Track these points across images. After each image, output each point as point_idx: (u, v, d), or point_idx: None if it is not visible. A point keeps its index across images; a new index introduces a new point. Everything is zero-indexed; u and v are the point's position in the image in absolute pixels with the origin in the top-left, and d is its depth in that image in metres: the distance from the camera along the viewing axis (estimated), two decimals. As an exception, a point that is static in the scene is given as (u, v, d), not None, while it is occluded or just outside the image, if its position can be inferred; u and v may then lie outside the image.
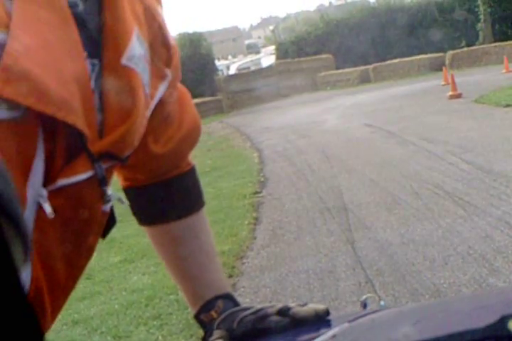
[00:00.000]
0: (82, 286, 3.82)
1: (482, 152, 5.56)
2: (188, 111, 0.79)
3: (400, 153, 6.41)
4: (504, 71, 13.05)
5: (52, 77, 0.47)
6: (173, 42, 0.69)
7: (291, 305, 0.73)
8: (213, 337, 0.73)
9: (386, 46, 20.60)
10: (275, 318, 0.72)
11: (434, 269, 3.09)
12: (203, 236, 0.83)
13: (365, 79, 18.74)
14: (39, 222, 0.52)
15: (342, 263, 3.45)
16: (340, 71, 19.73)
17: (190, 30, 29.51)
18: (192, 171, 0.83)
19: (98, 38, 0.55)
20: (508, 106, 8.05)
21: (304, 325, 0.70)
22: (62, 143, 0.52)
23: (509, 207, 3.82)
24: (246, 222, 4.78)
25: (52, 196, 0.52)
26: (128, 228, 4.81)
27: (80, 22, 0.53)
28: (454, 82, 10.13)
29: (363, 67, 19.13)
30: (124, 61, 0.56)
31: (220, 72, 24.07)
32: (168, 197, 0.80)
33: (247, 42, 75.81)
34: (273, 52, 26.16)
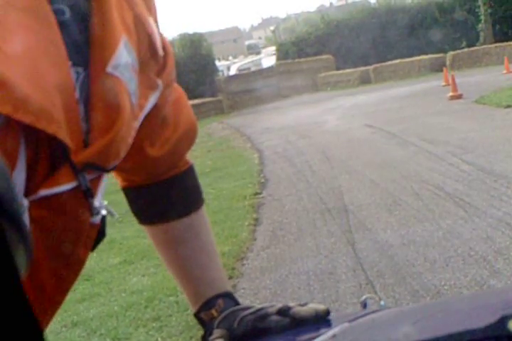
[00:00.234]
0: (81, 288, 3.81)
1: (483, 153, 5.55)
2: (184, 111, 0.78)
3: (400, 153, 6.40)
4: (505, 72, 13.04)
5: (32, 85, 0.46)
6: (168, 48, 0.68)
7: (292, 304, 0.73)
8: (213, 337, 0.73)
9: (386, 47, 20.60)
10: (275, 318, 0.72)
11: (435, 271, 3.08)
12: (203, 235, 0.83)
13: (365, 80, 18.74)
14: None
15: (342, 264, 3.44)
16: (340, 72, 19.73)
17: (191, 31, 29.49)
18: (190, 170, 0.83)
19: (84, 45, 0.54)
20: (508, 106, 8.04)
21: (304, 325, 0.70)
22: (45, 152, 0.51)
23: (510, 208, 3.81)
24: (246, 223, 4.77)
25: (35, 207, 0.51)
26: (128, 229, 4.81)
27: (66, 29, 0.52)
28: (454, 83, 10.12)
29: (363, 68, 19.13)
30: (109, 69, 0.54)
31: (220, 73, 24.08)
32: (166, 196, 0.80)
33: (247, 42, 75.90)
34: (273, 52, 26.18)
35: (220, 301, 0.78)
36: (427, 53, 18.42)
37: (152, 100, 0.65)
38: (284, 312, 0.72)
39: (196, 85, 18.81)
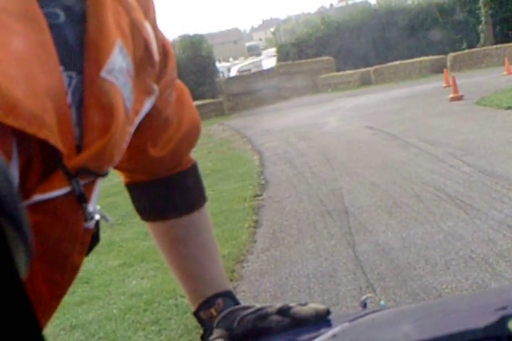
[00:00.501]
0: (80, 290, 3.80)
1: (484, 154, 5.54)
2: (187, 110, 0.79)
3: (400, 155, 6.39)
4: (505, 73, 13.04)
5: (22, 90, 0.46)
6: (169, 48, 0.68)
7: (292, 304, 0.73)
8: (213, 336, 0.73)
9: (387, 48, 20.63)
10: (275, 318, 0.72)
11: (436, 273, 3.06)
12: (204, 234, 0.83)
13: (366, 81, 18.75)
14: None
15: (343, 267, 3.43)
16: (341, 73, 19.74)
17: (191, 33, 29.63)
18: (193, 168, 0.83)
19: (78, 49, 0.54)
20: (509, 108, 8.03)
21: (304, 325, 0.70)
22: (38, 157, 0.50)
23: (511, 209, 3.80)
24: (246, 225, 4.76)
25: (29, 212, 0.50)
26: (127, 231, 4.79)
27: (59, 33, 0.51)
28: (455, 84, 10.12)
29: (363, 69, 19.14)
30: (103, 74, 0.54)
31: (220, 74, 24.14)
32: (169, 194, 0.81)
33: (247, 44, 76.09)
34: (274, 54, 26.23)
35: (220, 300, 0.78)
36: (427, 54, 18.42)
37: (148, 105, 0.64)
38: (284, 312, 0.72)
39: (196, 87, 18.85)
